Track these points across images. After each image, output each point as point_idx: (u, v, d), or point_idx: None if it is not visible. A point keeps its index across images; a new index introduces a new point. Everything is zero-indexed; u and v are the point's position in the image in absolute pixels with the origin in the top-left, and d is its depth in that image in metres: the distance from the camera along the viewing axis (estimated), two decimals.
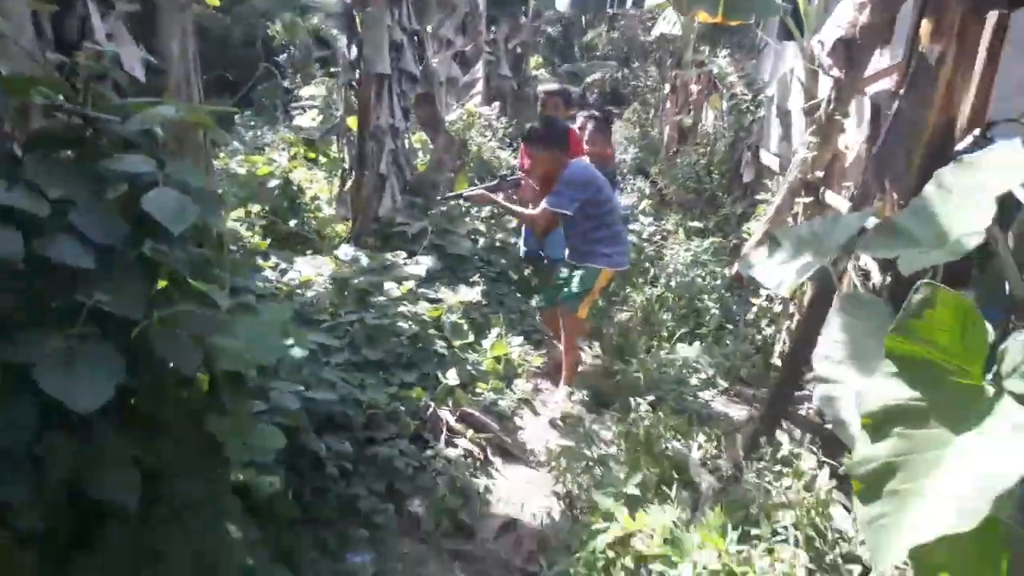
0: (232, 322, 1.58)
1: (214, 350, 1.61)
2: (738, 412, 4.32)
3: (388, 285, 4.32)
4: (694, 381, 4.33)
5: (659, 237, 6.84)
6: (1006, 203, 2.49)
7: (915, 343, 1.71)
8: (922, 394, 1.70)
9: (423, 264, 4.82)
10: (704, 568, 2.30)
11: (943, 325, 1.68)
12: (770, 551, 2.47)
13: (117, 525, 1.56)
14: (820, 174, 4.36)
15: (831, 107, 4.14)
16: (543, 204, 4.27)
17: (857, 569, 2.47)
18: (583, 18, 17.90)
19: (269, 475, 2.22)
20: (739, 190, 6.59)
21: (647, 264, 6.10)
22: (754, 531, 2.59)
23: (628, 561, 2.54)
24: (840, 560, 2.53)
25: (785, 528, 2.58)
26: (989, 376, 1.67)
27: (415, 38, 6.28)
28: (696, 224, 6.71)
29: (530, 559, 3.17)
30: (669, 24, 9.82)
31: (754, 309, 4.92)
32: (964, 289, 2.58)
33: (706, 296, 5.32)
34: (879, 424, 1.73)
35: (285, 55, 12.50)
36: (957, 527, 1.54)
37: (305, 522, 2.81)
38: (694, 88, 9.83)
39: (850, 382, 2.12)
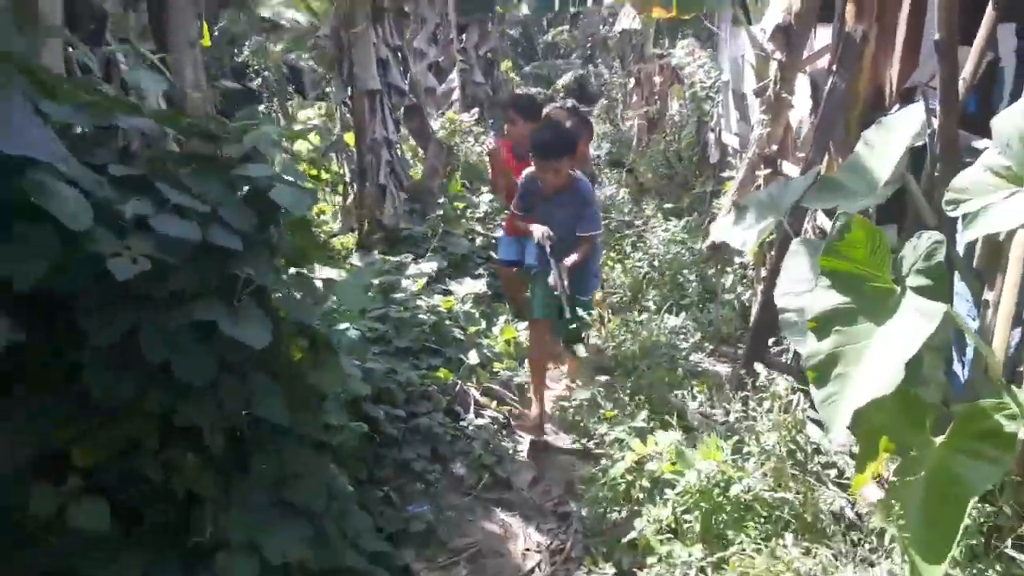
0: (332, 284, 2.11)
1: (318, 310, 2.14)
2: (724, 369, 4.87)
3: (405, 282, 4.84)
4: (683, 346, 4.85)
5: (639, 222, 7.41)
6: (918, 154, 3.09)
7: (839, 260, 2.28)
8: (850, 299, 2.27)
9: (431, 263, 5.35)
10: (706, 476, 2.84)
11: (858, 243, 2.25)
12: (761, 463, 3.01)
13: (262, 453, 2.08)
14: (775, 148, 4.93)
15: (777, 87, 4.71)
16: (583, 232, 4.05)
17: (833, 472, 3.02)
18: (543, 18, 18.44)
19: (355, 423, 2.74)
20: (707, 171, 7.18)
21: (629, 247, 6.65)
22: (745, 449, 3.12)
23: (644, 481, 3.08)
24: (820, 467, 3.08)
25: (770, 445, 3.11)
26: (895, 278, 2.24)
27: (398, 54, 6.80)
28: (671, 206, 7.29)
29: (559, 502, 3.71)
30: (629, 19, 10.41)
31: (731, 277, 5.49)
32: (891, 224, 3.18)
33: (686, 270, 5.87)
34: (821, 325, 2.29)
35: (259, 80, 12.88)
36: (884, 390, 2.11)
37: (369, 481, 3.31)
38: (657, 80, 10.41)
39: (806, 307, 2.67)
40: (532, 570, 3.06)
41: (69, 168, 1.60)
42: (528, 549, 3.15)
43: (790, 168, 4.71)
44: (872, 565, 2.40)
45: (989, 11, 2.84)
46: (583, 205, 4.07)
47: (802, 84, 4.85)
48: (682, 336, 4.82)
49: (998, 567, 2.18)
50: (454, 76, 10.29)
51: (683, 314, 5.34)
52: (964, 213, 2.39)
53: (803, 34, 4.53)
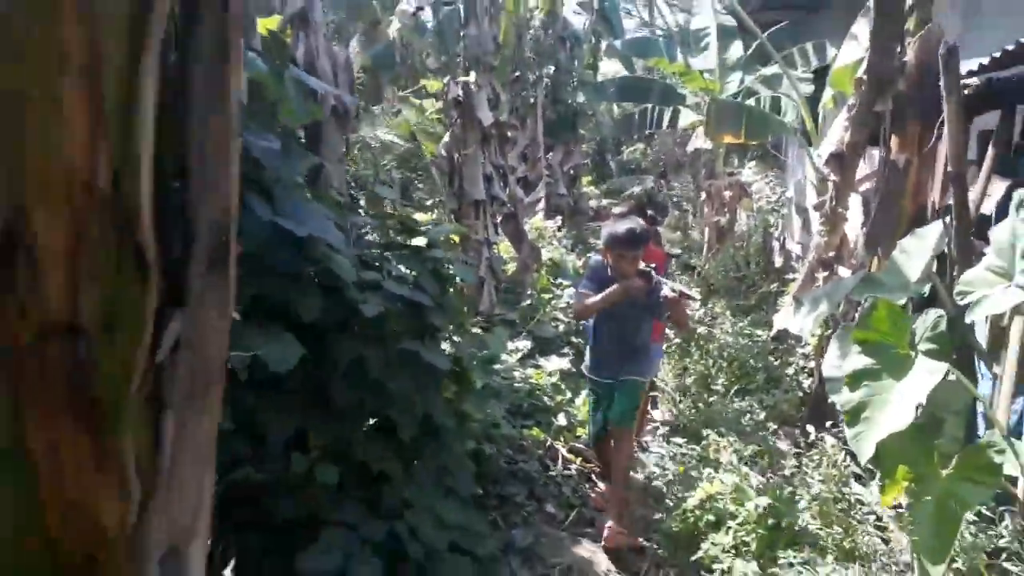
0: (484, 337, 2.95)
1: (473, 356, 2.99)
2: (784, 446, 5.45)
3: (504, 356, 5.67)
4: (747, 422, 5.48)
5: (709, 318, 8.13)
6: (942, 259, 3.81)
7: (868, 332, 3.00)
8: (875, 360, 2.97)
9: (525, 342, 6.18)
10: (759, 507, 3.48)
11: (882, 320, 2.97)
12: (809, 505, 3.64)
13: (431, 450, 2.87)
14: (832, 254, 5.67)
15: (834, 203, 5.50)
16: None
17: (867, 508, 3.61)
18: (620, 137, 19.77)
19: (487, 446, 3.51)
20: (772, 274, 7.91)
21: (702, 341, 7.35)
22: (796, 495, 3.75)
23: (710, 516, 3.72)
24: (860, 513, 3.68)
25: (819, 492, 3.74)
26: (910, 346, 2.94)
27: (500, 170, 7.90)
28: (740, 303, 8.00)
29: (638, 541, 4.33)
30: (702, 140, 11.44)
31: (793, 366, 6.12)
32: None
33: (752, 360, 6.53)
34: (854, 381, 2.99)
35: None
36: (899, 427, 2.78)
37: (478, 507, 4.03)
38: (727, 194, 11.32)
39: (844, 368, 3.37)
40: None
41: (342, 247, 2.51)
42: (610, 570, 3.78)
43: (844, 271, 5.43)
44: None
45: (990, 153, 3.62)
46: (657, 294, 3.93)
47: (855, 201, 5.63)
48: (748, 415, 5.45)
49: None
50: (540, 188, 11.42)
51: (748, 397, 5.97)
52: (969, 302, 3.10)
53: (854, 160, 5.34)
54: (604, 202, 18.11)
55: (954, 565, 2.89)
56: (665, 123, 12.60)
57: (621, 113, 14.48)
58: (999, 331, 3.28)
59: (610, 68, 14.64)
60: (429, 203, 8.64)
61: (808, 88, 7.25)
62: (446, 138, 7.59)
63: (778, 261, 7.65)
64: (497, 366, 5.56)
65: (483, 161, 7.45)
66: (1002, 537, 2.89)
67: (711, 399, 6.00)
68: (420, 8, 10.19)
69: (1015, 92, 3.47)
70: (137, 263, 0.83)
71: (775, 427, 5.74)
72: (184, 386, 0.89)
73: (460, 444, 3.04)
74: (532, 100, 11.47)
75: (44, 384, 0.81)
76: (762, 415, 5.68)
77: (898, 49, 4.73)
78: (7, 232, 0.76)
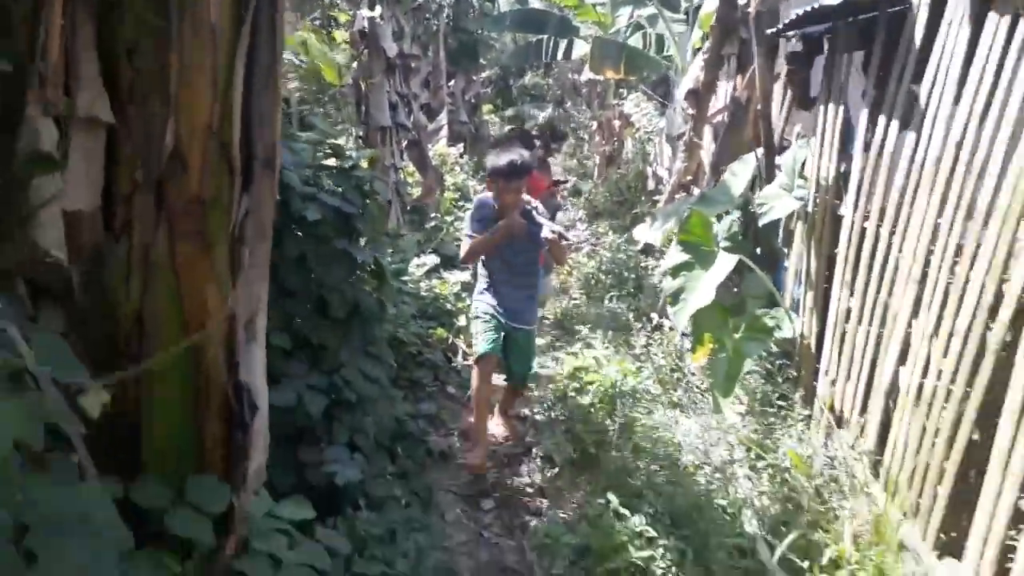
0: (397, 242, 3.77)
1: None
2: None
3: (412, 269, 6.49)
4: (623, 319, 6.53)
5: (594, 237, 9.17)
6: (756, 178, 4.85)
7: (686, 234, 4.00)
8: (690, 256, 3.98)
9: (431, 257, 7.01)
10: (612, 376, 4.51)
11: (696, 225, 3.97)
12: (650, 374, 4.70)
13: (359, 325, 3.71)
14: (689, 178, 6.71)
15: (691, 135, 6.51)
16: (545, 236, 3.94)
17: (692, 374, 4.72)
18: (521, 65, 20.38)
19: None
20: (646, 196, 8.98)
21: (584, 257, 8.39)
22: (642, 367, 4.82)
23: (575, 383, 4.73)
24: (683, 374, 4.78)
25: (660, 364, 4.81)
26: (715, 244, 3.97)
27: (405, 99, 8.52)
28: (618, 223, 9.07)
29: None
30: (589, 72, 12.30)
31: (656, 271, 7.23)
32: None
33: (624, 271, 7.61)
34: (674, 272, 4.01)
35: None
36: (705, 303, 3.81)
37: (393, 386, 4.92)
38: (616, 123, 12.30)
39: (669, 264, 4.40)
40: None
41: (290, 165, 3.25)
42: (497, 434, 4.77)
43: (696, 192, 6.48)
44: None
45: (788, 95, 4.64)
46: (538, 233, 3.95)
47: (708, 132, 6.65)
48: (619, 313, 6.53)
49: (770, 409, 3.89)
50: (443, 115, 12.04)
51: (619, 300, 7.05)
52: (764, 210, 4.15)
53: (707, 96, 6.33)
54: (506, 128, 18.95)
55: (742, 406, 4.01)
56: (560, 54, 13.37)
57: (522, 42, 15.09)
58: (788, 232, 4.36)
59: None
60: (338, 128, 9.15)
61: (680, 28, 8.16)
62: (354, 67, 8.13)
63: (651, 185, 8.71)
64: (406, 277, 6.41)
65: (388, 90, 8.05)
66: (780, 384, 4.02)
67: (590, 302, 7.05)
68: None
69: (814, 46, 4.44)
70: (229, 168, 1.64)
71: (636, 320, 6.88)
72: (250, 232, 1.71)
73: (380, 328, 3.87)
74: (435, 29, 11.97)
75: (186, 226, 1.62)
76: (630, 314, 6.77)
77: (742, 1, 5.67)
78: (175, 149, 1.55)
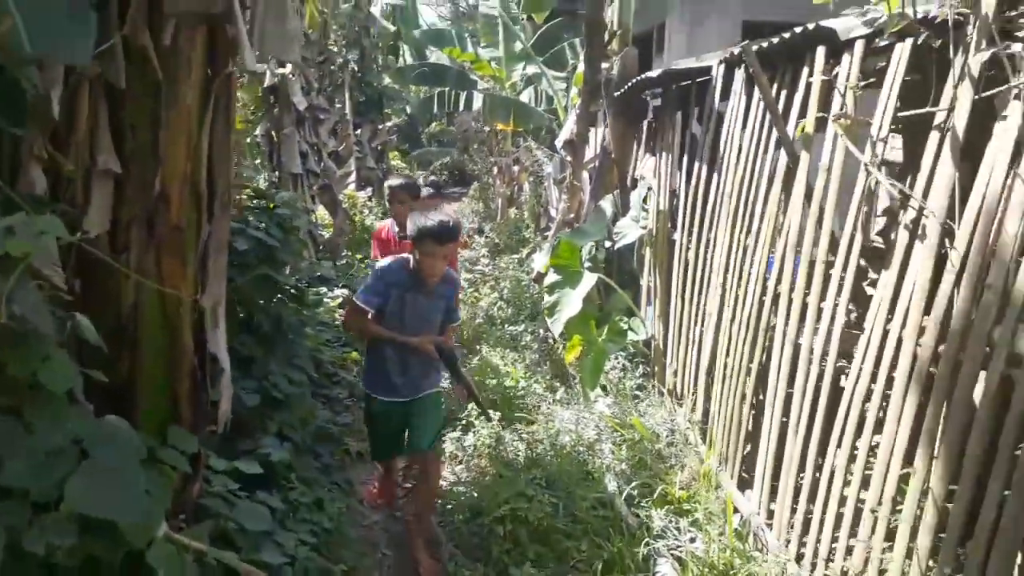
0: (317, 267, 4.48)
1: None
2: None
3: (327, 301, 7.13)
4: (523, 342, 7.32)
5: (496, 271, 10.02)
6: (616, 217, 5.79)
7: (557, 259, 4.86)
8: (560, 276, 4.83)
9: (342, 291, 7.66)
10: (511, 380, 5.28)
11: (565, 250, 4.84)
12: (540, 378, 5.51)
13: (285, 340, 4.37)
14: (572, 215, 7.65)
15: (570, 178, 7.47)
16: (454, 323, 3.87)
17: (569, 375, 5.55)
18: (427, 113, 21.38)
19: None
20: (540, 233, 9.93)
21: (488, 289, 9.20)
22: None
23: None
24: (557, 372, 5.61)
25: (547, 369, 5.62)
26: (582, 265, 4.84)
27: (314, 147, 9.21)
28: (517, 257, 9.98)
29: None
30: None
31: None
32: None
33: (522, 298, 8.45)
34: (550, 290, 4.85)
35: None
36: (574, 313, 4.65)
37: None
38: (515, 168, 13.31)
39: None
40: None
41: None
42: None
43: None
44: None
45: (643, 143, 5.62)
46: (454, 296, 3.77)
47: (586, 175, 7.62)
48: (517, 333, 7.34)
49: (630, 397, 4.75)
50: (351, 162, 12.75)
51: (519, 324, 7.86)
52: (619, 237, 5.06)
53: (581, 146, 7.31)
54: (419, 175, 19.86)
55: (608, 398, 4.84)
56: (461, 105, 14.36)
57: (424, 94, 16.02)
58: (640, 256, 5.30)
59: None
60: (247, 176, 9.76)
61: (562, 85, 9.23)
62: (265, 120, 8.79)
63: (543, 222, 9.66)
64: (320, 308, 7.05)
65: (299, 140, 8.74)
66: (638, 378, 4.89)
67: (492, 327, 7.85)
68: None
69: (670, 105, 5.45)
70: (198, 205, 2.35)
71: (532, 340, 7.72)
72: (212, 249, 2.41)
73: (301, 342, 4.53)
74: (340, 82, 12.73)
75: (168, 246, 2.31)
76: (528, 335, 7.59)
77: (604, 65, 6.69)
78: (161, 192, 2.25)
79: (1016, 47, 2.01)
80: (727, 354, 3.75)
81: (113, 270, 2.23)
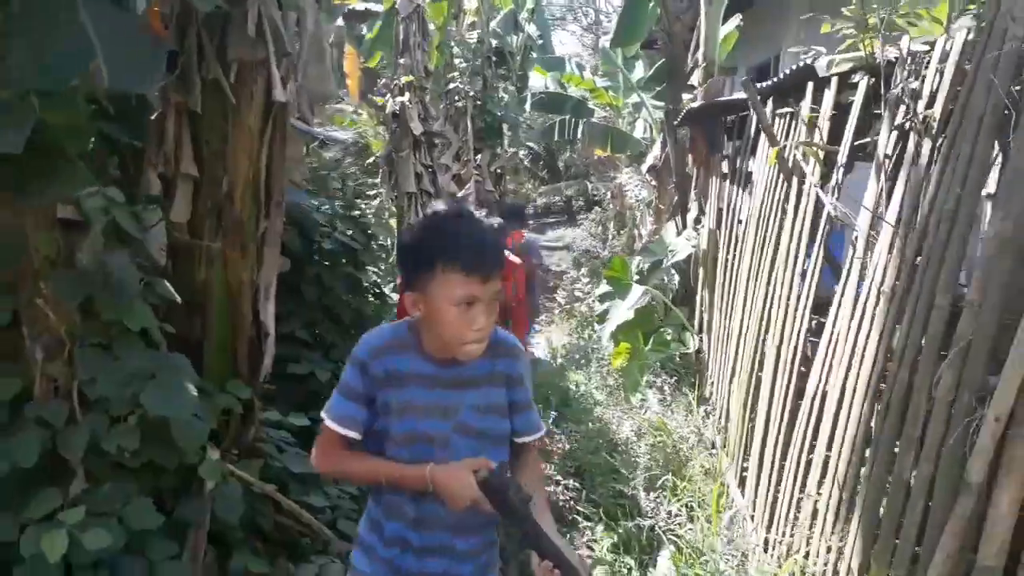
0: None
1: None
2: None
3: None
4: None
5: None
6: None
7: (609, 271, 5.24)
8: (612, 287, 5.21)
9: None
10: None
11: (617, 264, 5.22)
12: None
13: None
14: (657, 237, 7.96)
15: (656, 201, 7.80)
16: (531, 436, 1.83)
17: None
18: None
19: None
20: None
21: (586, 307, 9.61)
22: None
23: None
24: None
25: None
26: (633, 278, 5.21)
27: (430, 168, 10.04)
28: None
29: None
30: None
31: None
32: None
33: None
34: (602, 299, 5.24)
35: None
36: (622, 321, 5.03)
37: None
38: (627, 192, 13.67)
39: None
40: None
41: (312, 211, 4.65)
42: None
43: None
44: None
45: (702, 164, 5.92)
46: (522, 377, 1.79)
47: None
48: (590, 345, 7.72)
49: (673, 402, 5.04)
50: (470, 185, 13.61)
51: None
52: (672, 255, 5.39)
53: (664, 171, 7.63)
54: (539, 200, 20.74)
55: (652, 403, 5.15)
56: (579, 133, 14.91)
57: (545, 122, 16.71)
58: (696, 270, 5.59)
59: (538, 82, 16.89)
60: (372, 192, 10.73)
61: (660, 115, 9.54)
62: (386, 143, 9.70)
63: (637, 246, 10.04)
64: None
65: (414, 162, 9.58)
66: (681, 387, 5.18)
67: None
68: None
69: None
70: (256, 203, 3.00)
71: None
72: (269, 240, 3.05)
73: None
74: (463, 110, 13.66)
75: (232, 236, 2.96)
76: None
77: (687, 96, 7.02)
78: (228, 192, 2.92)
79: (914, 84, 2.28)
80: (740, 366, 4.01)
81: (191, 251, 2.91)
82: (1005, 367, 1.64)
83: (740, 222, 4.50)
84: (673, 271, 5.69)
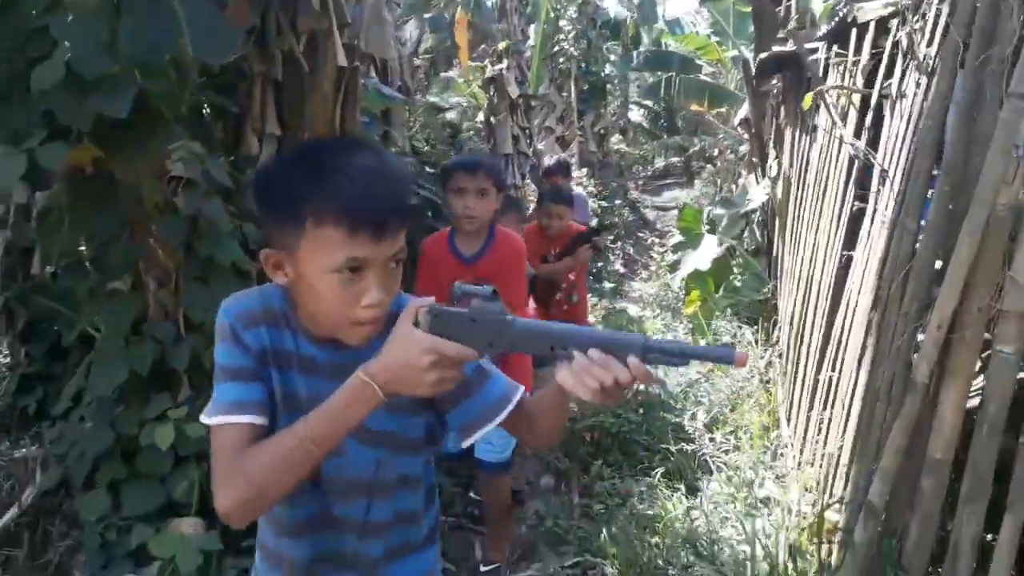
0: None
1: None
2: None
3: None
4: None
5: None
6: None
7: (681, 222, 5.40)
8: (685, 238, 5.37)
9: None
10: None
11: (689, 214, 5.37)
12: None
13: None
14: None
15: (748, 154, 7.76)
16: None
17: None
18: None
19: None
20: None
21: None
22: None
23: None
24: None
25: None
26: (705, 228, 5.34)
27: (526, 131, 10.34)
28: None
29: None
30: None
31: None
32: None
33: None
34: (674, 248, 5.42)
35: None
36: (694, 268, 5.20)
37: None
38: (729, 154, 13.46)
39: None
40: None
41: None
42: None
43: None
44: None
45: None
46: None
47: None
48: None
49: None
50: (574, 146, 13.80)
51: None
52: (746, 203, 5.47)
53: (759, 122, 7.56)
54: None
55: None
56: (674, 89, 14.73)
57: (654, 78, 16.53)
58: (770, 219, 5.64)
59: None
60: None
61: None
62: (484, 106, 10.09)
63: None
64: None
65: (511, 124, 9.91)
66: (752, 332, 5.30)
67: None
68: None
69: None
70: None
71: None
72: None
73: None
74: (567, 72, 13.81)
75: None
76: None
77: (773, 48, 6.92)
78: None
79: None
80: (795, 303, 4.13)
81: None
82: (944, 279, 1.80)
83: (807, 170, 4.55)
84: (754, 225, 5.75)
